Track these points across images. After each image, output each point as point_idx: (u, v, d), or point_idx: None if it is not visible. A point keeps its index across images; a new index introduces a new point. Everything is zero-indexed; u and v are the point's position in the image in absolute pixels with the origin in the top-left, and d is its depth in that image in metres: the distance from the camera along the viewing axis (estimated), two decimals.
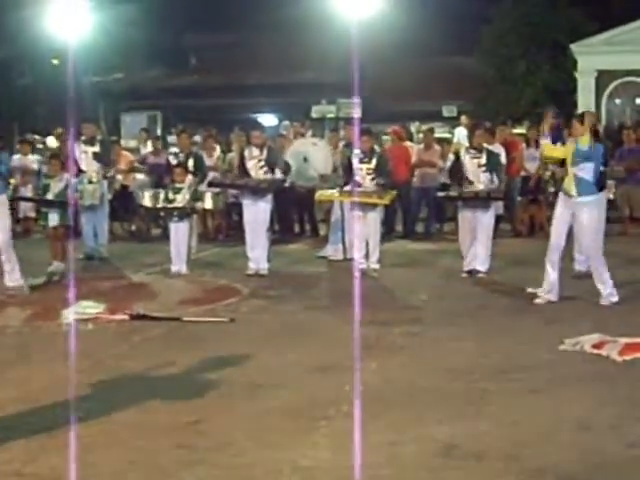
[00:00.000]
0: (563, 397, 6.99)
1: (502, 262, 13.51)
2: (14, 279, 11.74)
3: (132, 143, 23.88)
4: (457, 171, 13.05)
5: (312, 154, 17.31)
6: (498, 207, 14.48)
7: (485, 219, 12.85)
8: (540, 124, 18.46)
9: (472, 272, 12.79)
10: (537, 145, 17.73)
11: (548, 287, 10.72)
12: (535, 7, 33.90)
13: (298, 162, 16.71)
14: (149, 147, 19.62)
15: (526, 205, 17.66)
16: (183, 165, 14.16)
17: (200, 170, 14.69)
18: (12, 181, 15.73)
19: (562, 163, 11.01)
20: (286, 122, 22.65)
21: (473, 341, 8.94)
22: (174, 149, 16.58)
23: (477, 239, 12.77)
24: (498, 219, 14.64)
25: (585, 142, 10.58)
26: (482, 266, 12.81)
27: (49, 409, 6.77)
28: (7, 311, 11.03)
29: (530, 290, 11.05)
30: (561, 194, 10.83)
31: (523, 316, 10.17)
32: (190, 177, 13.89)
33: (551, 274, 10.69)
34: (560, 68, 33.87)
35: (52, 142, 21.19)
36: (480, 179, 12.82)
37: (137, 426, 6.37)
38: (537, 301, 10.73)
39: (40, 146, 21.28)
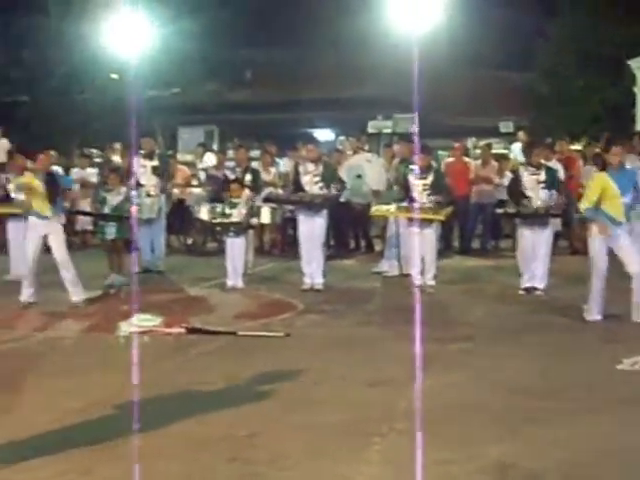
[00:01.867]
0: (621, 417, 6.90)
1: (560, 279, 13.39)
2: (76, 293, 11.88)
3: (189, 157, 24.04)
4: (516, 188, 12.96)
5: (366, 170, 17.30)
6: (556, 224, 14.37)
7: (544, 236, 12.78)
8: (598, 141, 18.39)
9: (529, 289, 12.70)
10: (595, 162, 17.61)
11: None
12: (593, 22, 33.65)
13: (352, 178, 16.71)
14: (211, 161, 19.66)
15: (584, 222, 17.45)
16: (240, 180, 14.23)
17: (257, 185, 14.77)
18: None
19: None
20: (342, 137, 22.66)
21: (529, 359, 8.87)
22: (231, 163, 16.69)
23: (536, 256, 12.68)
24: (556, 236, 14.52)
25: None
26: (540, 283, 12.72)
27: (105, 421, 6.82)
28: (65, 323, 11.13)
29: (587, 307, 10.94)
30: (602, 221, 10.61)
31: (581, 334, 10.07)
32: (247, 192, 13.95)
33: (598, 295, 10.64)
34: (618, 84, 33.59)
35: (112, 156, 21.32)
36: (539, 196, 12.73)
37: (192, 438, 6.39)
38: (589, 319, 10.64)
39: (99, 160, 21.45)
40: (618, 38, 33.44)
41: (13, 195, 14.30)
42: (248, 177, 14.79)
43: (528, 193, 12.76)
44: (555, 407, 7.17)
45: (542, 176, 12.80)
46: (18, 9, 32.75)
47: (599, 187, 10.56)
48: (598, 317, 10.61)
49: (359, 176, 17.08)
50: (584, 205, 10.74)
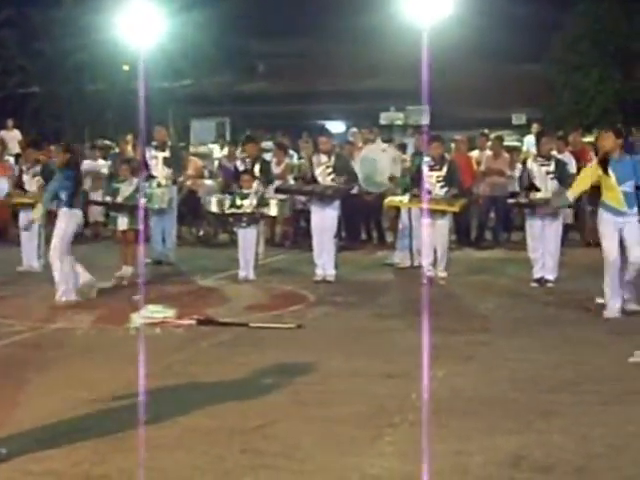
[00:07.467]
0: (634, 410, 6.87)
1: (571, 271, 13.37)
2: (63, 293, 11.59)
3: (202, 149, 24.05)
4: (526, 179, 12.92)
5: (381, 160, 17.24)
6: (567, 216, 14.31)
7: (553, 227, 12.74)
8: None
9: (541, 280, 12.67)
10: None
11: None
12: (608, 14, 33.52)
13: (368, 168, 16.65)
14: (224, 151, 19.67)
15: (596, 214, 17.38)
16: (250, 171, 14.20)
17: (266, 176, 14.70)
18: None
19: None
20: (353, 129, 22.61)
21: (541, 352, 8.85)
22: (242, 155, 16.67)
23: (546, 248, 12.64)
24: (567, 228, 14.47)
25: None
26: (551, 275, 12.69)
27: (117, 412, 6.82)
28: (76, 314, 11.10)
29: (599, 301, 10.89)
30: (607, 213, 10.66)
31: (592, 327, 10.03)
32: (257, 183, 13.93)
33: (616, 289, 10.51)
34: (632, 76, 33.47)
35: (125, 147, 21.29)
36: (548, 187, 12.68)
37: (203, 430, 6.39)
38: (607, 315, 10.50)
39: (113, 151, 21.45)
40: (633, 31, 33.33)
41: (27, 187, 14.38)
42: (257, 168, 14.73)
43: (537, 184, 12.71)
44: (567, 400, 7.15)
45: (551, 167, 12.75)
46: (31, 1, 32.85)
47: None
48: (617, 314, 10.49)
49: (373, 160, 16.91)
50: None
